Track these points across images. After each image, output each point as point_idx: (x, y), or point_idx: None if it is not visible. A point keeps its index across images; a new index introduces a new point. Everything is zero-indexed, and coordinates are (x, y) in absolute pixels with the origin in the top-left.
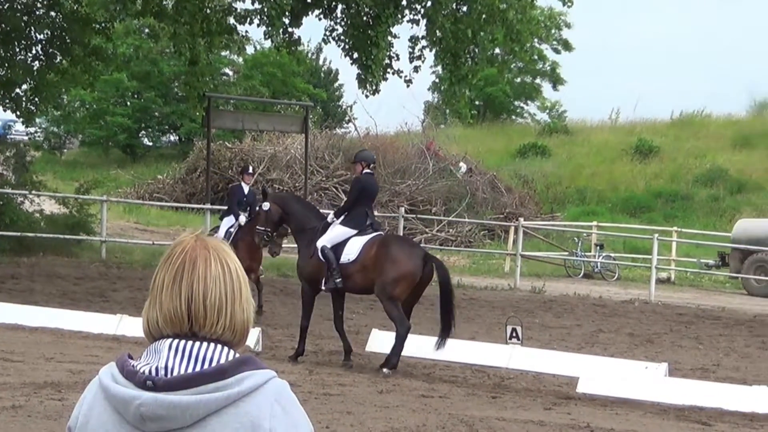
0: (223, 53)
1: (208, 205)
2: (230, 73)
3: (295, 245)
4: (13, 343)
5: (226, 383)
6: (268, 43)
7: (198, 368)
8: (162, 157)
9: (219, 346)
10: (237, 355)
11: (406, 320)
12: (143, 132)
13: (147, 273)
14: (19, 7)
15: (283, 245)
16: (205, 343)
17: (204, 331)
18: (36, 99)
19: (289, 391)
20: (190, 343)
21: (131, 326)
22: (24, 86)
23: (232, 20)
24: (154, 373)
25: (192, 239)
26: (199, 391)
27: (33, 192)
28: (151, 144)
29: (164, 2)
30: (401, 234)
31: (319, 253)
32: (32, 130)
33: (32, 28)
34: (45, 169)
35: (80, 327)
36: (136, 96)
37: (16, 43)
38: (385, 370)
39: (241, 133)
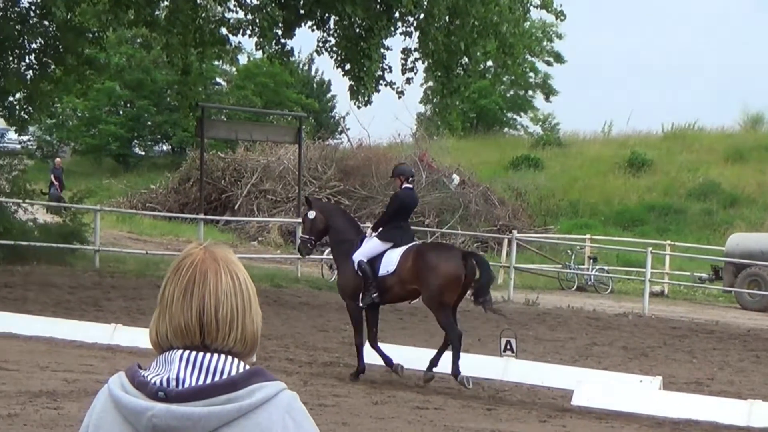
0: (215, 63)
1: (201, 215)
2: (222, 83)
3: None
4: (8, 352)
5: (238, 395)
6: (260, 54)
7: (209, 380)
8: (154, 166)
9: (230, 358)
10: (247, 366)
11: (456, 327)
12: (135, 141)
13: (141, 282)
14: (12, 16)
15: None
16: (216, 355)
17: (216, 344)
18: (29, 107)
19: (299, 402)
20: (201, 354)
21: (125, 336)
22: (17, 95)
23: (224, 31)
24: (165, 384)
25: (201, 251)
26: (210, 402)
27: (26, 201)
28: (143, 153)
29: (156, 12)
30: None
31: (356, 267)
32: (25, 138)
33: (25, 37)
34: (38, 178)
35: (74, 336)
36: (128, 105)
37: (9, 52)
38: (459, 377)
39: (234, 143)
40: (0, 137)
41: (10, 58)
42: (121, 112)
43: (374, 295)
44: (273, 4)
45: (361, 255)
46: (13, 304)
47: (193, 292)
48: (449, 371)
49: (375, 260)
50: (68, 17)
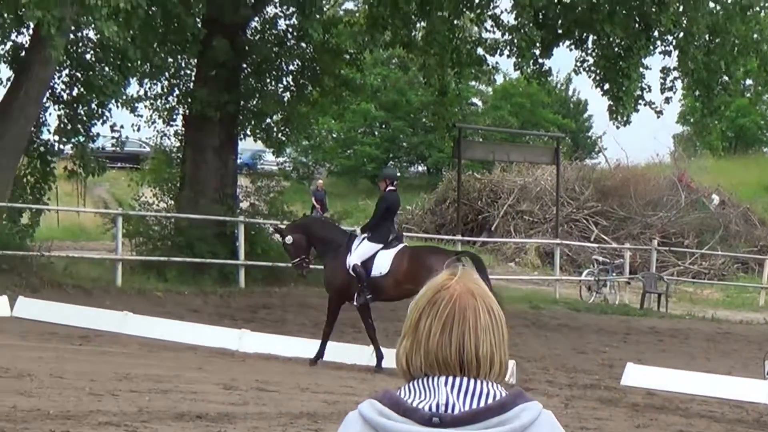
0: (471, 83)
1: (459, 236)
2: (478, 103)
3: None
4: (268, 373)
5: (508, 417)
6: (516, 74)
7: (480, 404)
8: (410, 187)
9: (491, 382)
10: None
11: None
12: (391, 162)
13: (398, 304)
14: (270, 38)
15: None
16: (479, 380)
17: (476, 378)
18: (286, 129)
19: (557, 422)
20: (465, 379)
21: (386, 357)
22: (275, 117)
23: (481, 51)
24: (435, 409)
25: (456, 283)
26: (485, 425)
27: (284, 222)
28: (398, 174)
29: (413, 33)
30: (653, 267)
31: (350, 270)
32: (281, 159)
33: (283, 59)
34: (294, 199)
35: (333, 357)
36: (383, 126)
37: (267, 74)
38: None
39: (490, 163)
40: (258, 159)
41: (268, 80)
42: (376, 133)
43: (368, 296)
44: (531, 24)
45: (356, 258)
46: (272, 326)
47: (452, 330)
48: (707, 394)
49: (367, 262)
50: (325, 39)
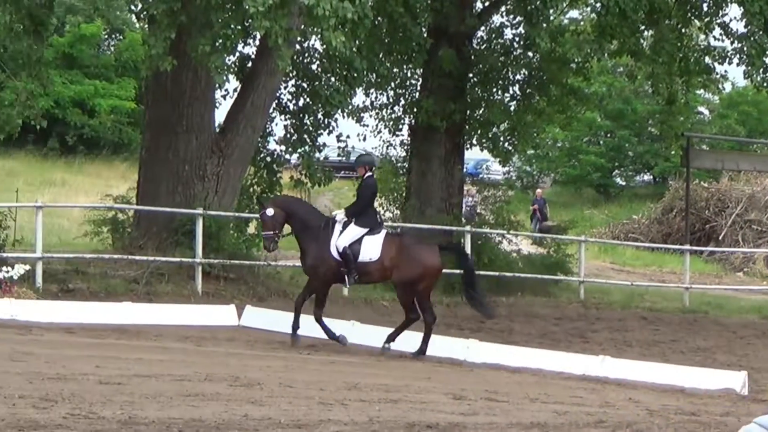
0: (698, 92)
1: (687, 246)
2: (705, 112)
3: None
4: (497, 383)
5: None
6: (743, 82)
7: None
8: (635, 196)
9: None
10: None
11: (416, 310)
12: (616, 171)
13: (626, 314)
14: (496, 47)
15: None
16: None
17: None
18: (513, 139)
19: None
20: None
21: (614, 367)
22: (501, 126)
23: (708, 60)
24: None
25: None
26: None
27: (510, 232)
28: (623, 183)
29: (641, 42)
30: None
31: (336, 253)
32: (506, 169)
33: (509, 68)
34: (518, 209)
35: (562, 368)
36: (609, 135)
37: (493, 84)
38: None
39: (717, 172)
40: (482, 168)
41: (494, 90)
42: (601, 142)
43: (356, 277)
44: (761, 32)
45: (344, 242)
46: (499, 336)
47: None
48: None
49: (353, 245)
50: (552, 48)
